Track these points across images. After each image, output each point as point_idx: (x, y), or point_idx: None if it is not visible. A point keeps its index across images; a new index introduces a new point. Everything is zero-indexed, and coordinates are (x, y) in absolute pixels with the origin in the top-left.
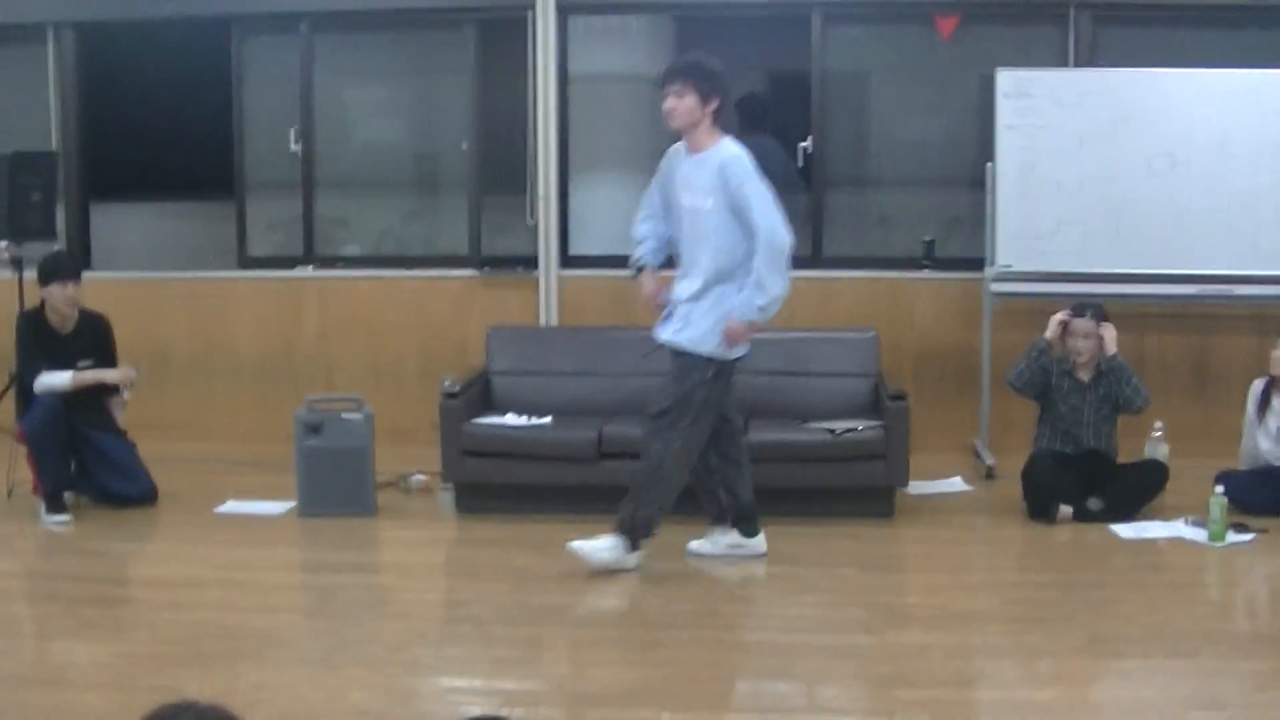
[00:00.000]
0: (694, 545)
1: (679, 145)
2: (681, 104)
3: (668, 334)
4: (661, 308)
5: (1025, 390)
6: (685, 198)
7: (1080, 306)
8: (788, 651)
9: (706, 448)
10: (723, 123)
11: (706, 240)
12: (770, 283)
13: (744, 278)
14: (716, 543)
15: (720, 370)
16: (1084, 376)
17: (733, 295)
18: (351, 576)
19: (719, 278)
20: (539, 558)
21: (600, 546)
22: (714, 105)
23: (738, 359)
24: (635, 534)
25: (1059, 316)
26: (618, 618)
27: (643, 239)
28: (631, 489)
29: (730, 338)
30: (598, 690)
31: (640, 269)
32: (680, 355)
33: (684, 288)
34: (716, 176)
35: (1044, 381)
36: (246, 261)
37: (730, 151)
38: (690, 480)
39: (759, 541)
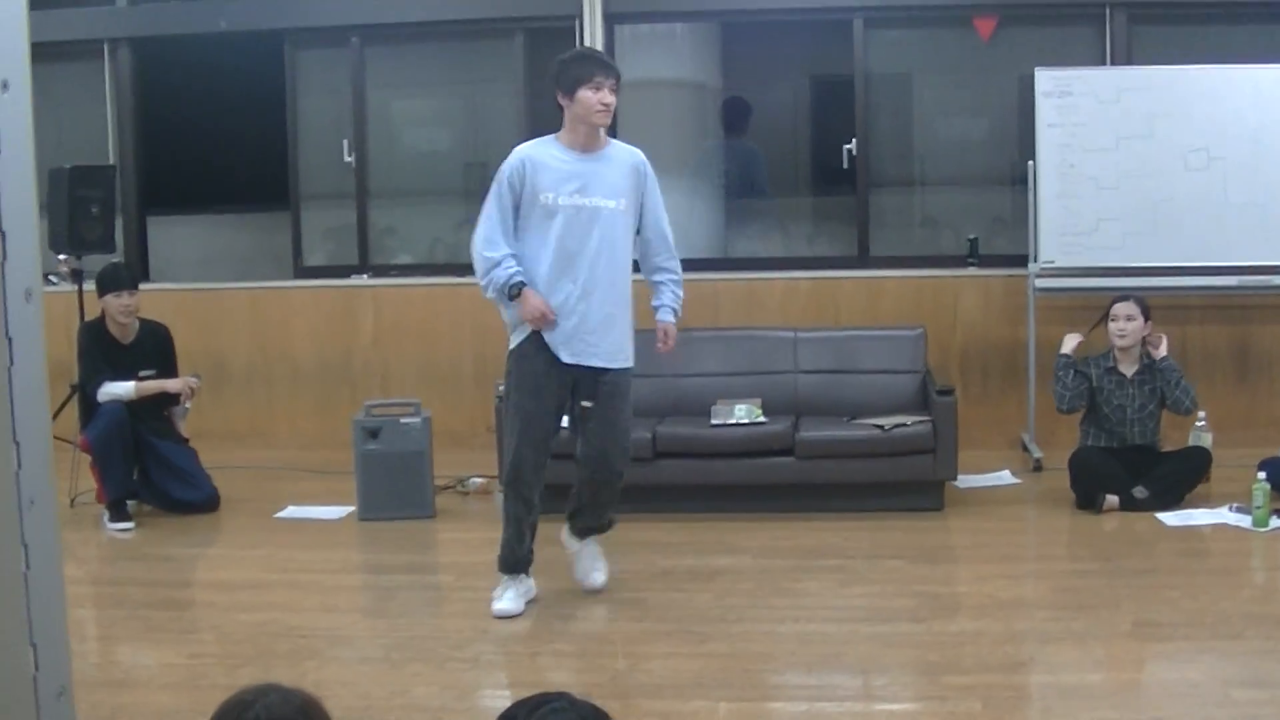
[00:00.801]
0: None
1: (538, 150)
2: (614, 101)
3: (619, 360)
4: (553, 323)
5: (1076, 405)
6: (576, 200)
7: (1122, 295)
8: (839, 641)
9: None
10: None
11: (619, 244)
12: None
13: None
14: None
15: None
16: (1127, 370)
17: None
18: (411, 577)
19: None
20: None
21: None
22: None
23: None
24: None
25: (1075, 337)
26: (672, 611)
27: (504, 258)
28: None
29: (671, 343)
30: (655, 682)
31: (522, 285)
32: (625, 374)
33: (604, 300)
34: (630, 176)
35: (1089, 388)
36: (302, 271)
37: (636, 151)
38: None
39: None
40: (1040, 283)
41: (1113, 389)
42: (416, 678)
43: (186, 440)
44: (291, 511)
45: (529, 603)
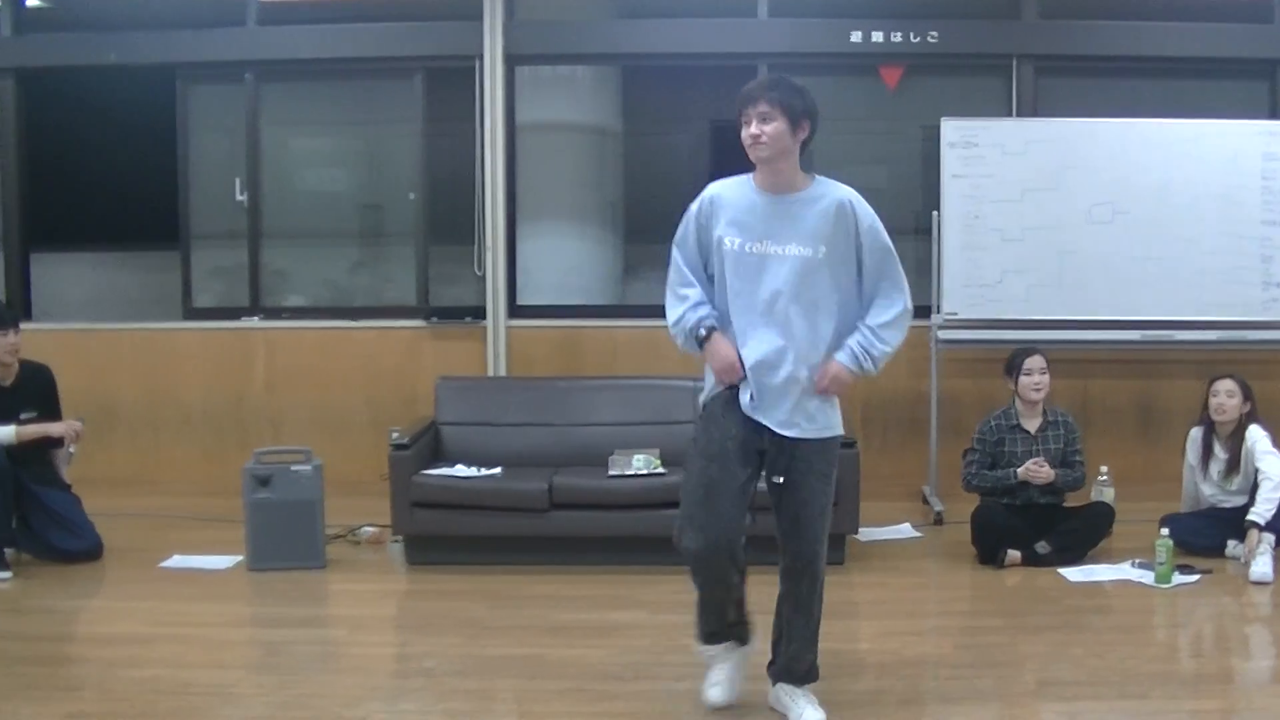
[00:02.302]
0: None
1: (725, 187)
2: (768, 129)
3: (798, 429)
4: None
5: (983, 483)
6: (752, 245)
7: (1027, 348)
8: (740, 700)
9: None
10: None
11: (807, 297)
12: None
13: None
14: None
15: None
16: (1030, 425)
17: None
18: (301, 631)
19: (835, 344)
20: (491, 609)
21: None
22: (805, 131)
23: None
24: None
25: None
26: (569, 669)
27: (699, 301)
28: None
29: (833, 383)
30: None
31: (711, 330)
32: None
33: (783, 359)
34: (830, 220)
35: (996, 453)
36: (192, 312)
37: (844, 190)
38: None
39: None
40: (943, 334)
41: (1016, 446)
42: None
43: (69, 486)
44: (178, 561)
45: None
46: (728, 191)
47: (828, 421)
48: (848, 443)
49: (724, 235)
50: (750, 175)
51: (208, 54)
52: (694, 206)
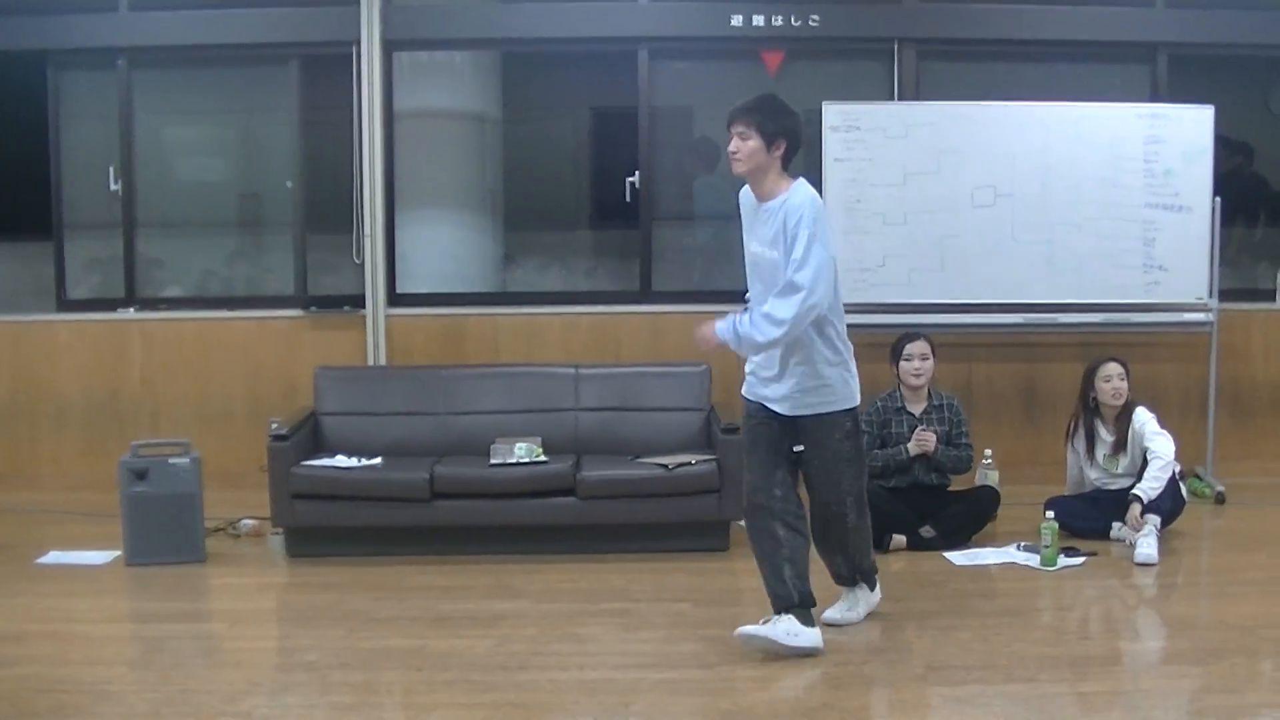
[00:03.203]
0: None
1: (744, 194)
2: (745, 146)
3: (788, 408)
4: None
5: (873, 462)
6: (753, 247)
7: (910, 333)
8: (626, 689)
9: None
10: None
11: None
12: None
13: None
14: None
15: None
16: (915, 409)
17: (821, 347)
18: (181, 626)
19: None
20: (373, 601)
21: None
22: (781, 149)
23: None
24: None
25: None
26: (452, 659)
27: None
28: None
29: (702, 339)
30: None
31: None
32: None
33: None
34: (781, 221)
35: (884, 435)
36: (66, 304)
37: (800, 194)
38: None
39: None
40: None
41: (903, 429)
42: None
43: None
44: (54, 557)
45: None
46: (744, 197)
47: (821, 400)
48: (730, 428)
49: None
50: None
51: (79, 40)
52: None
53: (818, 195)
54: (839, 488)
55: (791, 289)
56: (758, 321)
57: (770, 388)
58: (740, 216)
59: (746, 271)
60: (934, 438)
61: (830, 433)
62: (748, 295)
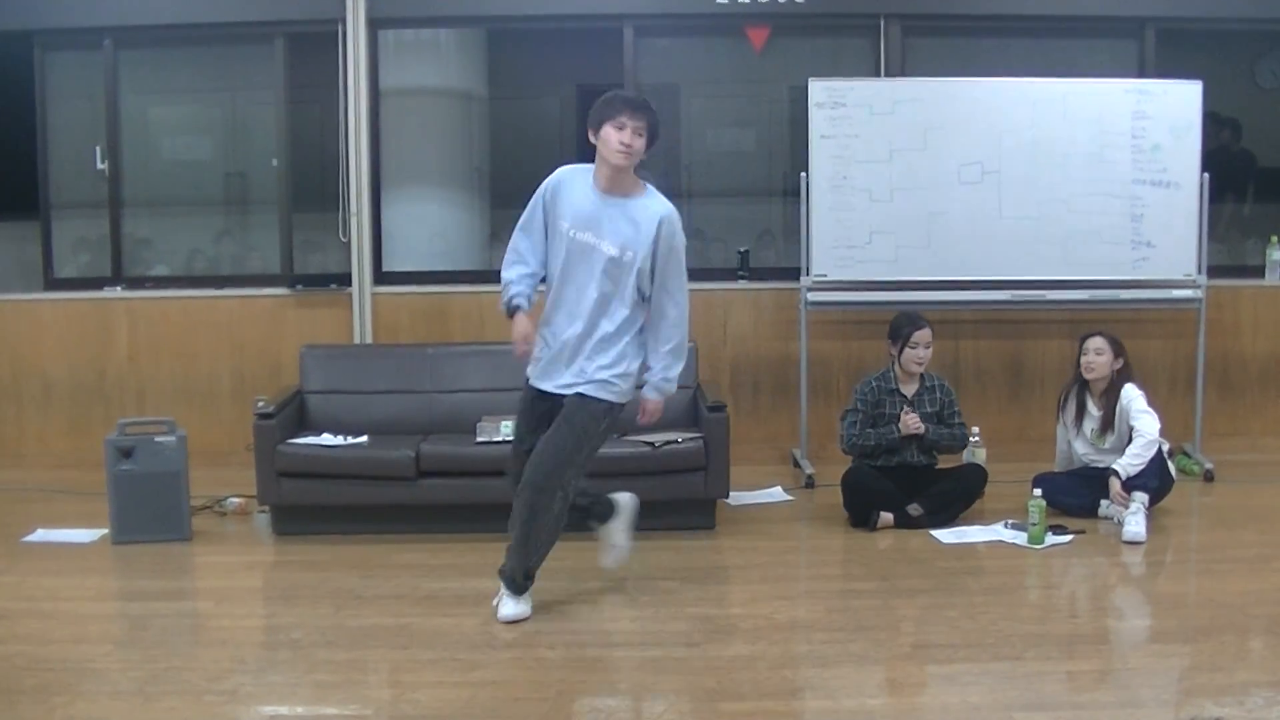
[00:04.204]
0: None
1: (572, 175)
2: (638, 144)
3: (562, 384)
4: (524, 355)
5: (866, 441)
6: (586, 237)
7: (914, 316)
8: (612, 667)
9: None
10: None
11: (613, 293)
12: (679, 361)
13: (632, 335)
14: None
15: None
16: (908, 390)
17: (631, 351)
18: (167, 604)
19: (622, 331)
20: (359, 579)
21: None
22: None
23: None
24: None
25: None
26: (439, 638)
27: (519, 278)
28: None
29: (652, 415)
30: (421, 713)
31: (517, 309)
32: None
33: (577, 338)
34: (647, 230)
35: (876, 415)
36: (53, 283)
37: (667, 205)
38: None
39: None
40: (812, 296)
41: (896, 409)
42: (172, 712)
43: None
44: (41, 535)
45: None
46: (570, 177)
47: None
48: (716, 406)
49: (560, 217)
50: (592, 167)
51: (65, 20)
52: (545, 182)
53: None
54: (542, 467)
55: (681, 319)
56: (672, 366)
57: (558, 370)
58: (547, 198)
59: (555, 258)
60: (916, 417)
61: (583, 416)
62: (542, 281)
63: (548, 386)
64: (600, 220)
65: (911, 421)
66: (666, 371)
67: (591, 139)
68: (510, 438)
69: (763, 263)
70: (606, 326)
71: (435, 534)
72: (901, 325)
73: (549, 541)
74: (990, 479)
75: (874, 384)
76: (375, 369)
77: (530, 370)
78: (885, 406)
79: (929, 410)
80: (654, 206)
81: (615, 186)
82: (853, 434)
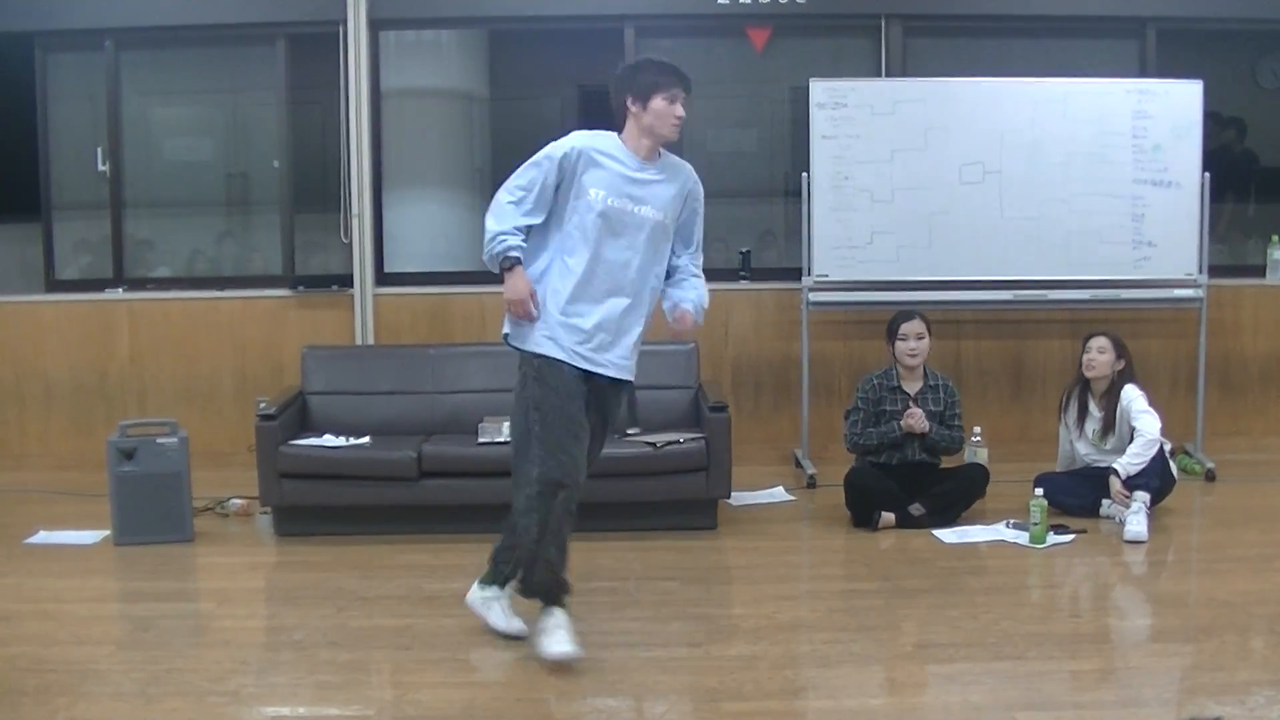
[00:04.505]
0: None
1: (596, 141)
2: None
3: (626, 371)
4: (533, 316)
5: (868, 440)
6: (627, 206)
7: (906, 311)
8: (614, 668)
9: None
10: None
11: (656, 259)
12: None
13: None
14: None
15: None
16: (910, 388)
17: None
18: (169, 605)
19: (652, 302)
20: (361, 580)
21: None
22: None
23: None
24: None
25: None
26: (441, 639)
27: (515, 231)
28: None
29: (688, 328)
30: (424, 713)
31: (516, 262)
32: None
33: (630, 311)
34: (681, 191)
35: (878, 413)
36: (54, 284)
37: (688, 165)
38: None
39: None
40: (814, 296)
41: (896, 407)
42: (174, 714)
43: None
44: (43, 537)
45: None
46: (598, 143)
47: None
48: (718, 406)
49: (592, 186)
50: (618, 137)
51: (66, 21)
52: (557, 148)
53: None
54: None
55: (699, 254)
56: (700, 285)
57: (614, 352)
58: (567, 166)
59: (575, 232)
60: (922, 415)
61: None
62: (571, 261)
63: (601, 370)
64: (644, 187)
65: (916, 420)
66: (702, 299)
67: (632, 107)
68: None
69: (764, 263)
70: (647, 297)
71: (437, 535)
72: (893, 319)
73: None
74: (992, 479)
75: (875, 382)
76: (377, 370)
77: (566, 351)
78: (887, 404)
79: (932, 409)
80: (679, 164)
81: (653, 154)
82: (854, 433)
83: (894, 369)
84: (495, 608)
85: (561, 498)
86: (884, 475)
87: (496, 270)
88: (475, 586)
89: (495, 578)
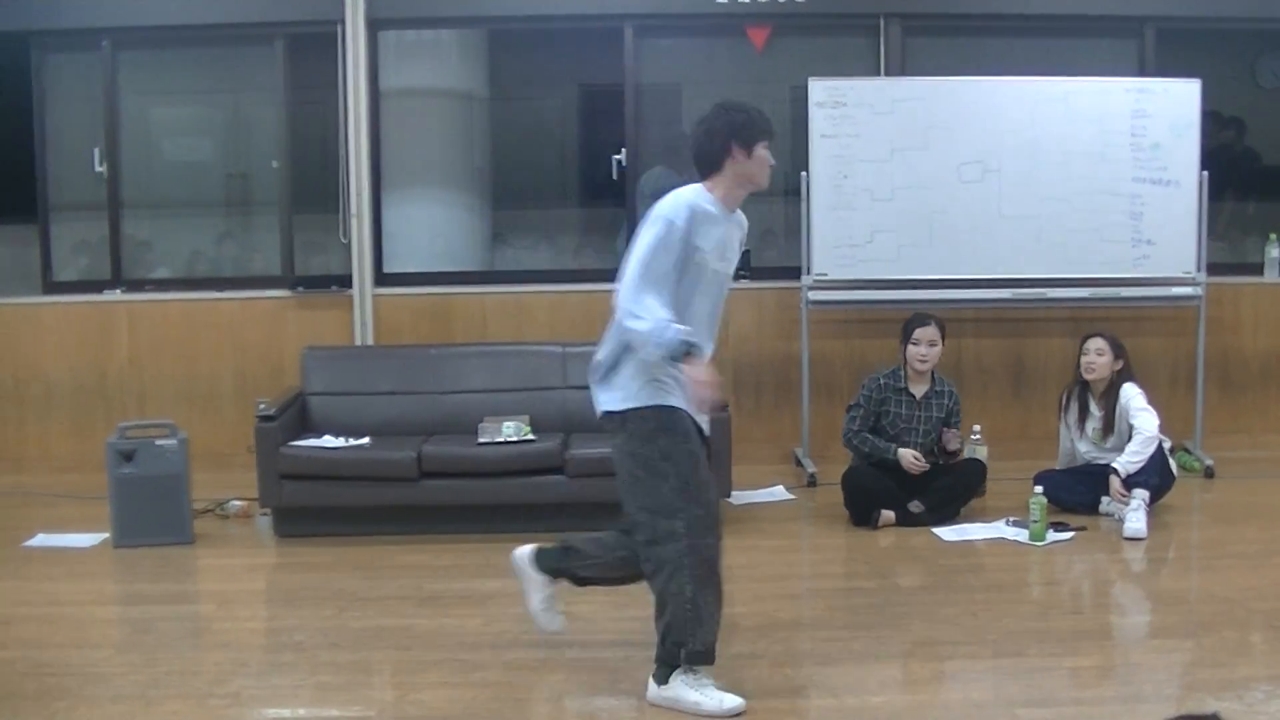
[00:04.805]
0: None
1: (700, 199)
2: None
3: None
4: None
5: (863, 446)
6: (717, 264)
7: (922, 315)
8: (615, 666)
9: None
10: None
11: (719, 307)
12: None
13: None
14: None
15: None
16: (917, 391)
17: None
18: (169, 607)
19: None
20: (361, 580)
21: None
22: None
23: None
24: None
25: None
26: (441, 639)
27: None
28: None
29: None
30: (425, 714)
31: (695, 347)
32: None
33: (709, 353)
34: (742, 237)
35: (879, 411)
36: (52, 286)
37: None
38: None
39: None
40: (813, 295)
41: (900, 409)
42: (174, 716)
43: None
44: (42, 540)
45: None
46: (700, 201)
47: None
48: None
49: (701, 249)
50: (705, 188)
51: (63, 21)
52: (678, 217)
53: None
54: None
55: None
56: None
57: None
58: (686, 229)
59: (695, 293)
60: (920, 462)
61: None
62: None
63: (701, 420)
64: (729, 242)
65: (909, 464)
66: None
67: (737, 154)
68: (513, 438)
69: (765, 262)
70: None
71: (438, 535)
72: (908, 322)
73: None
74: (992, 476)
75: (881, 381)
76: (377, 370)
77: (683, 401)
78: (891, 404)
79: (935, 415)
80: (740, 215)
81: (737, 204)
82: (851, 429)
83: (902, 370)
84: (693, 690)
85: (712, 543)
86: (881, 474)
87: (669, 358)
88: (652, 685)
89: (667, 658)
